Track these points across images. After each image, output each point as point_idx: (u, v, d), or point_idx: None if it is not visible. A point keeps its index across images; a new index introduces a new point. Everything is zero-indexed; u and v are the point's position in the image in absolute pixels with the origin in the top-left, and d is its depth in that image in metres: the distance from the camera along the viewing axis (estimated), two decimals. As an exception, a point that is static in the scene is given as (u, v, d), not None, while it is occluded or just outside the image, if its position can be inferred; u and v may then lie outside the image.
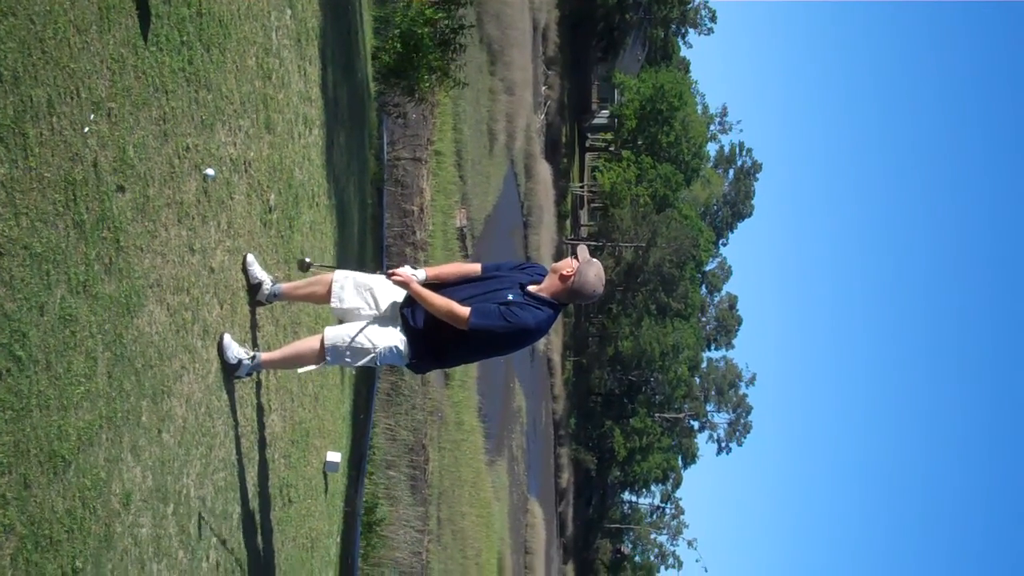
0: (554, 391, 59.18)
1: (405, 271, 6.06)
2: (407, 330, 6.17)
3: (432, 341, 6.18)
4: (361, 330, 6.14)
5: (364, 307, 6.32)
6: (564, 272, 6.07)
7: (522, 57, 38.07)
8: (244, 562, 6.28)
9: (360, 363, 6.20)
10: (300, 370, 6.35)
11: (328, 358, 6.14)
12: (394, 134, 17.90)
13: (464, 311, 5.96)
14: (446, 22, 15.41)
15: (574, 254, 6.15)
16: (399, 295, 6.28)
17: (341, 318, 6.39)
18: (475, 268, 6.45)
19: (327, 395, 9.57)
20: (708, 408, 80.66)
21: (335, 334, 6.13)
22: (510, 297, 6.05)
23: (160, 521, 4.85)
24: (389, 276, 6.09)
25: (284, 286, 6.64)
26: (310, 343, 6.24)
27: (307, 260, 6.26)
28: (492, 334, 5.99)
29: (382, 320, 6.23)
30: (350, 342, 6.09)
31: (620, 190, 61.85)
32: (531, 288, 6.15)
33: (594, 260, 6.12)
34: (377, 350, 6.10)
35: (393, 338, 6.13)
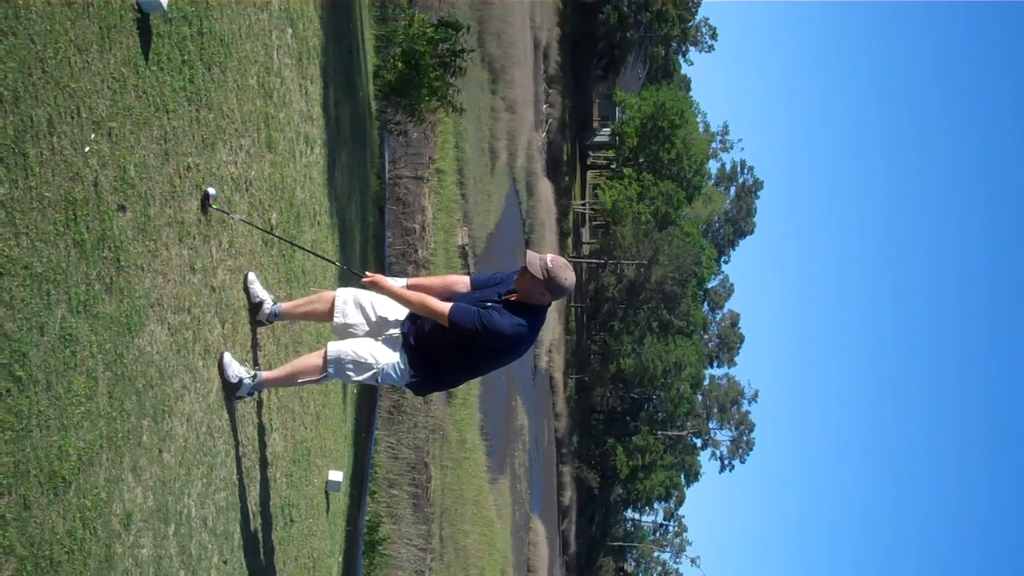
0: (556, 409, 59.09)
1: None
2: (407, 348, 6.20)
3: (429, 357, 6.22)
4: (365, 345, 6.17)
5: (366, 323, 6.35)
6: (531, 273, 6.02)
7: (523, 76, 38.16)
8: (245, 582, 6.25)
9: (361, 378, 6.21)
10: (299, 380, 6.35)
11: (330, 370, 6.15)
12: (395, 152, 17.94)
13: (443, 305, 6.03)
14: (447, 45, 15.44)
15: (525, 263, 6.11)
16: (400, 312, 6.30)
17: (342, 335, 6.39)
18: (463, 280, 6.47)
19: (329, 414, 9.55)
20: (710, 425, 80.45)
21: (338, 347, 6.16)
22: (489, 304, 6.10)
23: (161, 542, 4.83)
24: (362, 279, 6.16)
25: (285, 305, 6.65)
26: (312, 359, 6.25)
27: (210, 192, 5.64)
28: (469, 335, 6.01)
29: (385, 338, 6.27)
30: (353, 356, 6.11)
31: (622, 208, 61.87)
32: (511, 297, 6.16)
33: (549, 254, 6.13)
34: (379, 366, 6.13)
35: (395, 356, 6.17)
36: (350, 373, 6.17)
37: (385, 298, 6.29)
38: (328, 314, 6.45)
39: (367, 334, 6.33)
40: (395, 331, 6.30)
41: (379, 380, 6.24)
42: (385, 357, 6.17)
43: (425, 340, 6.20)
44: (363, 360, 6.13)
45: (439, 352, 6.22)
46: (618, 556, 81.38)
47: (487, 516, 26.45)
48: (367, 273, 6.23)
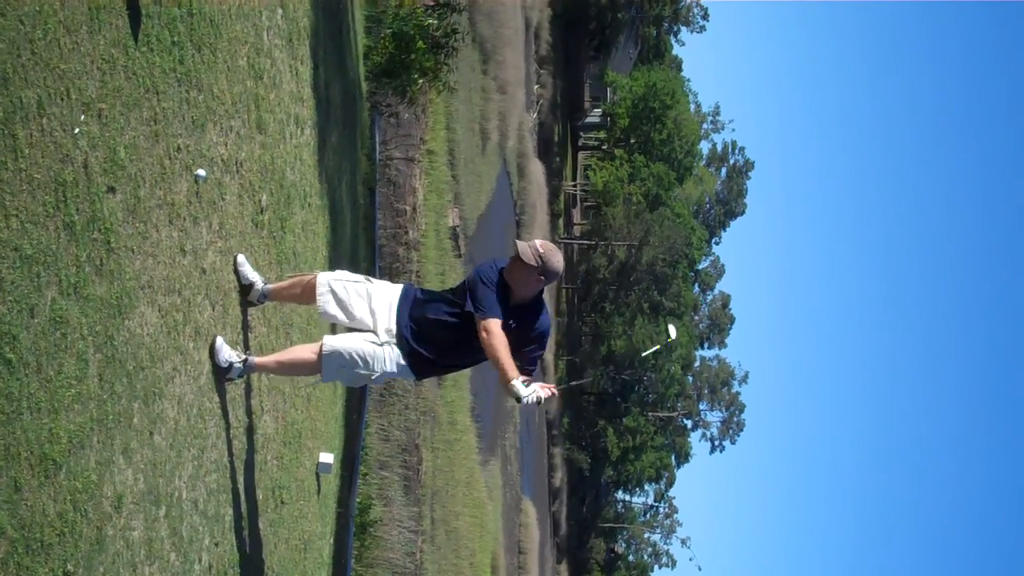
0: (547, 390, 59.07)
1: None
2: (402, 343, 6.13)
3: (426, 349, 6.17)
4: (361, 348, 6.08)
5: (344, 315, 6.25)
6: (524, 263, 6.04)
7: (514, 56, 38.08)
8: (236, 564, 6.26)
9: (356, 384, 6.23)
10: (291, 375, 6.34)
11: (323, 374, 6.11)
12: (386, 133, 17.89)
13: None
14: (438, 29, 15.39)
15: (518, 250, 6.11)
16: (382, 302, 6.24)
17: (329, 320, 6.39)
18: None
19: (319, 396, 9.55)
20: (701, 407, 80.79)
21: (333, 348, 6.06)
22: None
23: (152, 524, 4.83)
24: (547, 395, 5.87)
25: (271, 286, 6.62)
26: (306, 354, 6.16)
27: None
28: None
29: (384, 341, 6.16)
30: (349, 360, 6.04)
31: (613, 189, 61.96)
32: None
33: (536, 240, 6.17)
34: (375, 376, 6.08)
35: (391, 363, 6.10)
36: (343, 378, 6.21)
37: (365, 286, 6.27)
38: (309, 298, 6.41)
39: (351, 321, 6.26)
40: (390, 326, 6.20)
41: (374, 381, 6.21)
42: (380, 363, 6.07)
43: (425, 337, 6.14)
44: (359, 370, 6.06)
45: (439, 348, 6.19)
46: (609, 537, 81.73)
47: (478, 498, 26.50)
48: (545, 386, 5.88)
